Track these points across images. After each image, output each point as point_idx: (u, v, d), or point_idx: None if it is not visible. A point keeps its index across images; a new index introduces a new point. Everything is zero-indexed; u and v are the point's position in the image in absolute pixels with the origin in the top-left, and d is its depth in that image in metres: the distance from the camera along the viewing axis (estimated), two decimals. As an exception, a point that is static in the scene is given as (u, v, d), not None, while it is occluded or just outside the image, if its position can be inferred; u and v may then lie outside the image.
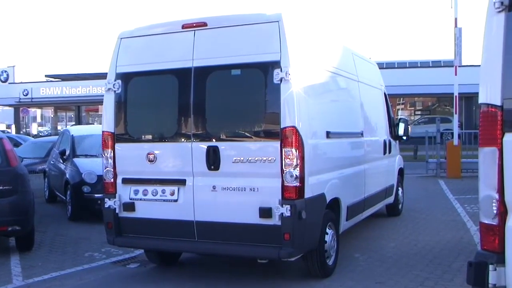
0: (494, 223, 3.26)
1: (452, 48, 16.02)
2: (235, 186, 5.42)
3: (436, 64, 37.21)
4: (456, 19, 15.75)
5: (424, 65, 37.54)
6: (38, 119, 51.02)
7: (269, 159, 5.27)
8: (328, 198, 5.88)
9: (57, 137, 13.88)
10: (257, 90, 5.42)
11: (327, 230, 5.95)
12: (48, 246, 7.85)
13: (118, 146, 5.99)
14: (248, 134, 5.44)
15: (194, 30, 5.68)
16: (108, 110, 6.05)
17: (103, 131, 6.08)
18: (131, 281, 6.14)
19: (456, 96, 15.87)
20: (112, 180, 5.99)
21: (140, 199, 5.86)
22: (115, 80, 5.98)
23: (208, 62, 5.56)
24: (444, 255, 6.83)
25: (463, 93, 19.82)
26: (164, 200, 5.75)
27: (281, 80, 5.17)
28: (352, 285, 5.73)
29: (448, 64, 29.76)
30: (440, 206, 10.72)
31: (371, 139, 7.95)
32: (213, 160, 5.49)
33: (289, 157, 5.18)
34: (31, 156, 13.89)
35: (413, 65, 38.08)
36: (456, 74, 15.69)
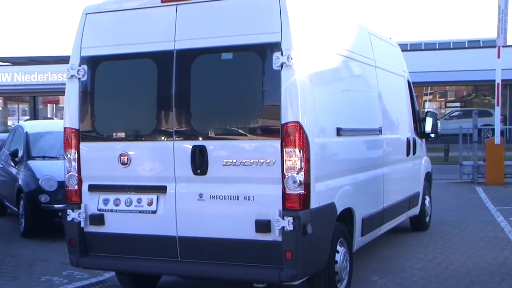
0: None
1: (494, 24, 15.94)
2: (226, 194, 5.50)
3: (474, 44, 37.28)
4: (501, -14, 15.69)
5: (458, 45, 37.62)
6: (-17, 113, 50.87)
7: (268, 161, 5.35)
8: (339, 209, 5.97)
9: (7, 134, 13.89)
10: (253, 78, 5.49)
11: (338, 248, 6.03)
12: (-5, 269, 7.88)
13: (83, 145, 6.06)
14: (242, 131, 5.52)
15: (176, 5, 5.74)
16: (71, 101, 6.10)
17: (65, 128, 6.14)
18: (100, 310, 6.21)
19: (498, 84, 15.81)
20: (76, 187, 6.06)
21: (111, 210, 5.93)
22: (79, 65, 6.04)
23: (194, 43, 5.63)
24: (484, 280, 6.88)
25: (508, 80, 19.91)
26: (140, 211, 5.82)
27: (282, 66, 5.25)
28: (368, 314, 5.81)
29: (488, 44, 29.80)
30: (478, 219, 10.79)
31: (391, 137, 8.05)
32: (199, 162, 5.56)
33: (292, 159, 5.26)
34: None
35: (444, 46, 38.15)
36: (499, 57, 15.60)
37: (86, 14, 6.13)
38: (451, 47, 37.55)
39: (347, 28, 7.04)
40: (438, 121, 10.01)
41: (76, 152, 6.06)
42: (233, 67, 5.67)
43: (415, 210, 9.37)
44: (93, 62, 6.03)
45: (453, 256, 8.06)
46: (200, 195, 5.58)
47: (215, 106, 5.69)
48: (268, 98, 5.40)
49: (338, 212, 5.95)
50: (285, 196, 5.29)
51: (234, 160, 5.47)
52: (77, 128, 6.06)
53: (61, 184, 8.64)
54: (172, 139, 5.71)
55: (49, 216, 9.55)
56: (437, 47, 37.63)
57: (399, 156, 8.50)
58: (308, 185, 5.33)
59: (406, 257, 8.03)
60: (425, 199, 9.81)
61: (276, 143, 5.31)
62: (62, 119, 6.37)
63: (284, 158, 5.27)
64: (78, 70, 6.04)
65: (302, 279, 5.56)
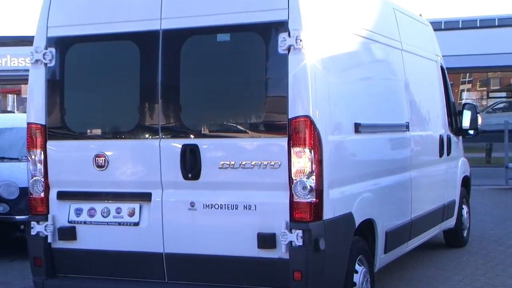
0: None
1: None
2: (222, 203, 5.55)
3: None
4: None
5: (505, 22, 37.46)
6: None
7: (272, 163, 5.40)
8: (358, 220, 6.01)
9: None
10: (255, 64, 5.56)
11: (357, 267, 6.07)
12: None
13: (51, 144, 6.10)
14: (241, 128, 5.58)
15: (163, -24, 5.80)
16: (36, 92, 6.15)
17: (28, 123, 6.17)
18: None
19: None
20: (42, 194, 6.10)
21: (85, 222, 5.98)
22: (46, 48, 6.07)
23: (184, 22, 5.68)
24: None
25: None
26: (119, 224, 5.88)
27: (289, 49, 5.29)
28: None
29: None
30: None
31: (421, 135, 8.10)
32: (191, 165, 5.61)
33: (301, 160, 5.31)
34: None
35: (486, 23, 38.04)
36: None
37: (53, -14, 6.15)
38: (496, 24, 37.36)
39: (368, 3, 7.08)
40: (478, 114, 9.98)
41: (42, 152, 6.09)
42: (230, 51, 5.72)
43: (450, 222, 9.40)
44: (62, 44, 6.07)
45: (498, 278, 8.04)
46: (192, 204, 5.64)
47: (209, 98, 5.74)
48: (272, 88, 5.46)
49: (357, 224, 5.99)
50: (293, 205, 5.34)
51: (232, 162, 5.52)
52: (44, 123, 6.09)
53: (24, 191, 8.68)
54: (158, 137, 5.76)
55: (9, 230, 9.57)
56: (478, 25, 37.45)
57: (431, 157, 8.54)
58: (321, 191, 5.38)
59: (440, 279, 8.04)
60: (462, 209, 9.84)
61: (282, 141, 5.36)
62: (25, 112, 6.41)
63: (292, 160, 5.32)
64: (44, 54, 6.06)
65: (314, 304, 5.62)
